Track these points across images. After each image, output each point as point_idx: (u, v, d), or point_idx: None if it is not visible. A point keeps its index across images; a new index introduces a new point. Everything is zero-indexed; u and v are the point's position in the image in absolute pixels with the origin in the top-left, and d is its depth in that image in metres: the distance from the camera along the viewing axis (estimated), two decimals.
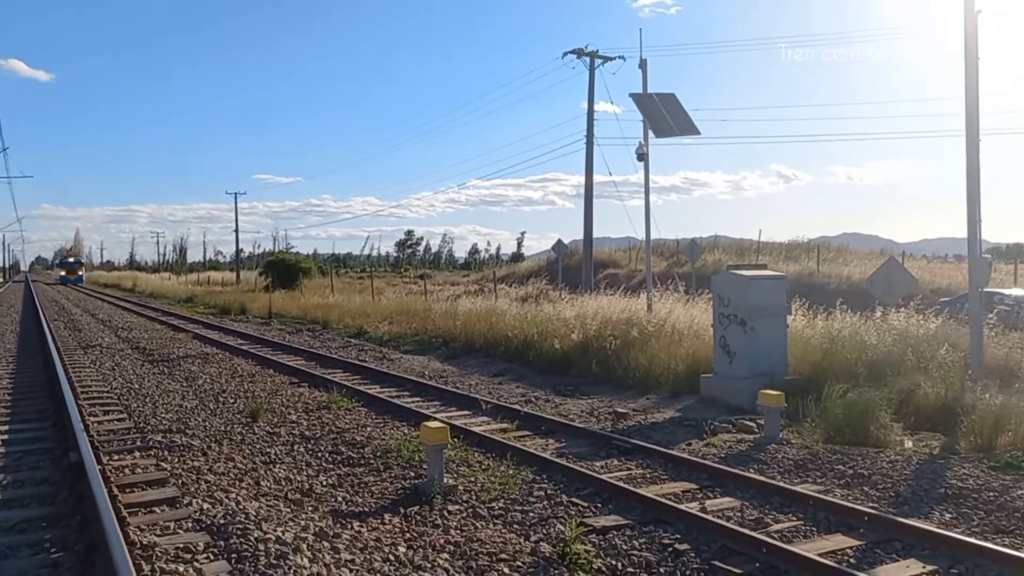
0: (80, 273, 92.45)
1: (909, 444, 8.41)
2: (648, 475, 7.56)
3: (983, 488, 6.75)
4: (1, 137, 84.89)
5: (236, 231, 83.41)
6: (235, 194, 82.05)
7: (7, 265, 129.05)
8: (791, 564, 5.15)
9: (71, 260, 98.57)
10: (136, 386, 12.44)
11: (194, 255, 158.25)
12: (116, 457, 7.61)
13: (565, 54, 32.92)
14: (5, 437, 8.54)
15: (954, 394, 9.25)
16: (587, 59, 32.79)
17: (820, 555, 5.26)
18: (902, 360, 10.31)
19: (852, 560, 5.37)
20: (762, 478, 7.20)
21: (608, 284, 25.71)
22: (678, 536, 5.79)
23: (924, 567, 5.19)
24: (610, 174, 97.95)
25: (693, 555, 5.46)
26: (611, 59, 32.57)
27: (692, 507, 6.37)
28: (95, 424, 9.18)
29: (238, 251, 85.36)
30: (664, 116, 14.77)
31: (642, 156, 15.90)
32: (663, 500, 6.46)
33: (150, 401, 11.06)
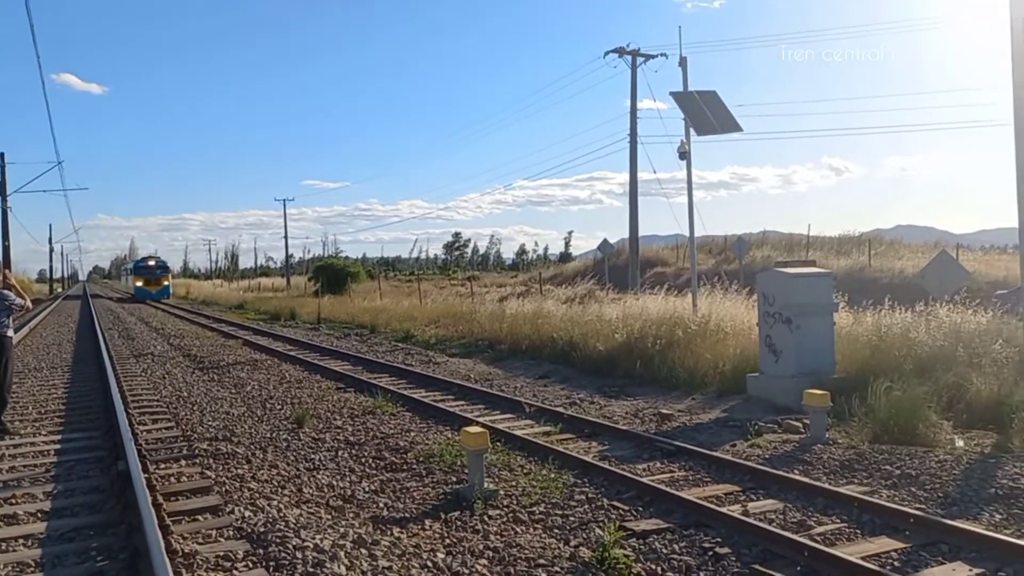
0: (166, 284, 61.58)
1: (960, 443, 8.15)
2: (691, 477, 7.48)
3: None
4: (56, 150, 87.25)
5: (285, 237, 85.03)
6: (284, 200, 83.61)
7: (66, 275, 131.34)
8: (833, 567, 5.03)
9: (152, 263, 62.76)
10: (185, 394, 12.68)
11: (245, 261, 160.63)
12: (163, 465, 7.77)
13: (606, 53, 32.87)
14: (59, 447, 8.77)
15: (1007, 391, 8.94)
16: (629, 58, 32.67)
17: (863, 558, 5.13)
18: (953, 356, 10.03)
19: (896, 563, 5.23)
20: (806, 479, 7.06)
21: (655, 283, 25.50)
22: (719, 539, 5.70)
23: (971, 570, 5.03)
24: (654, 172, 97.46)
25: (734, 559, 5.38)
26: (653, 57, 32.45)
27: (734, 510, 6.28)
28: (144, 433, 9.38)
29: (288, 257, 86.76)
30: (705, 114, 14.59)
31: (684, 155, 15.72)
32: (705, 503, 6.38)
33: (198, 409, 11.25)
